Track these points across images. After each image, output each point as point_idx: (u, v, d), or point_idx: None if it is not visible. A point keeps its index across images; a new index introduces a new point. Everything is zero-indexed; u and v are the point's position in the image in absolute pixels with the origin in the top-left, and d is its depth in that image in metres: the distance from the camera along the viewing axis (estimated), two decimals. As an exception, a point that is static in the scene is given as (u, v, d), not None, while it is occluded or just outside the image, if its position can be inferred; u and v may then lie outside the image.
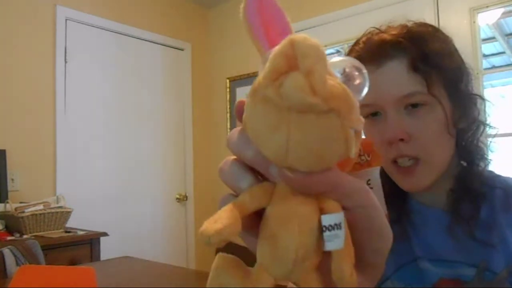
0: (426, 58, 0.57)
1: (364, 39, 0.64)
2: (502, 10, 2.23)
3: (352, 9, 2.67)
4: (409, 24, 0.62)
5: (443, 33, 0.63)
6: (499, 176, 0.65)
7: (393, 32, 0.60)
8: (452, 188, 0.62)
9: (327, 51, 2.95)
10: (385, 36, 0.60)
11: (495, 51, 3.49)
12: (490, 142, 0.64)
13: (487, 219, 0.60)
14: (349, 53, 0.64)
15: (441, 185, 0.62)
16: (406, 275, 0.63)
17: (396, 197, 0.66)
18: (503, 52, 3.48)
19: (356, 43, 0.65)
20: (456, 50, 0.62)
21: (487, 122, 0.64)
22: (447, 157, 0.61)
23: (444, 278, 0.60)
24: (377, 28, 0.64)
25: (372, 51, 0.60)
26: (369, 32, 0.64)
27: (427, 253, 0.63)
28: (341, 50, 2.98)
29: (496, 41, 3.26)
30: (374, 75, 0.59)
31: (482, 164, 0.62)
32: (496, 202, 0.61)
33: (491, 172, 0.65)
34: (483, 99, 0.63)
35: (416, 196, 0.67)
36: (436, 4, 2.35)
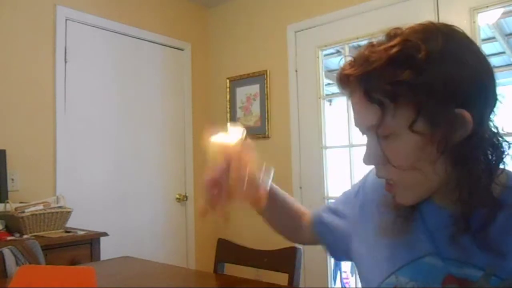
0: (380, 87, 0.56)
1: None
2: (502, 10, 2.23)
3: (352, 9, 2.67)
4: (376, 46, 0.59)
5: (426, 49, 0.55)
6: None
7: (350, 63, 0.61)
8: (458, 198, 0.59)
9: (327, 51, 2.95)
10: (344, 69, 0.61)
11: (495, 51, 3.50)
12: (500, 143, 0.60)
13: (504, 226, 0.58)
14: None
15: (449, 191, 0.61)
16: (412, 271, 0.64)
17: None
18: (503, 52, 3.48)
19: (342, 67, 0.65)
20: (437, 64, 0.55)
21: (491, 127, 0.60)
22: (428, 178, 0.60)
23: (452, 275, 0.60)
24: (350, 56, 0.62)
25: (339, 85, 0.63)
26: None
27: (437, 250, 0.63)
28: (341, 50, 2.98)
29: (496, 41, 3.26)
30: (351, 101, 0.63)
31: (485, 174, 0.58)
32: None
33: (509, 172, 0.62)
34: (465, 116, 0.56)
35: (433, 193, 0.65)
36: (436, 4, 2.35)
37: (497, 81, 0.61)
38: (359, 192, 0.81)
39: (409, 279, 0.63)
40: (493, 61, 3.70)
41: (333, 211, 0.85)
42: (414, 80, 0.54)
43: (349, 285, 3.88)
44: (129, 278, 1.36)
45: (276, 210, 0.87)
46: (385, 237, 0.69)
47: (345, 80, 0.61)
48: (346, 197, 0.85)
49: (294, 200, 0.91)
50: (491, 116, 0.60)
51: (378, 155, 0.61)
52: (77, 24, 2.64)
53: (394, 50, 0.56)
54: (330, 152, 2.83)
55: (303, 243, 0.96)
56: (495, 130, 0.60)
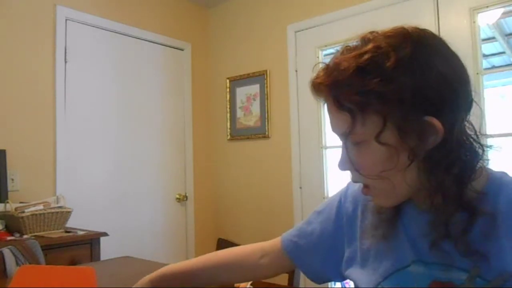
0: (347, 96, 0.56)
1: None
2: (502, 10, 2.23)
3: (352, 9, 2.67)
4: (340, 55, 0.60)
5: (398, 53, 0.55)
6: (507, 183, 0.60)
7: (319, 73, 0.61)
8: (439, 203, 0.58)
9: (327, 51, 2.95)
10: (317, 80, 0.61)
11: (495, 51, 3.49)
12: (478, 147, 0.59)
13: (484, 230, 0.57)
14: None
15: (427, 196, 0.60)
16: (397, 281, 0.63)
17: None
18: (503, 52, 3.48)
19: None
20: (404, 73, 0.55)
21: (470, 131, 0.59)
22: (399, 186, 0.59)
23: (437, 280, 0.60)
24: (324, 63, 0.62)
25: (312, 93, 0.63)
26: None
27: (420, 256, 0.62)
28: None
29: (496, 41, 3.26)
30: (326, 107, 0.63)
31: (463, 180, 0.57)
32: (500, 210, 0.57)
33: (498, 178, 0.61)
34: (436, 124, 0.55)
35: (414, 198, 0.65)
36: (436, 4, 2.35)
37: (471, 85, 0.60)
38: (340, 203, 0.79)
39: None
40: (493, 61, 3.69)
41: (307, 234, 0.82)
42: (382, 89, 0.54)
43: (349, 285, 3.88)
44: (129, 278, 1.36)
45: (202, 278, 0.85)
46: (371, 245, 0.69)
47: (316, 88, 0.61)
48: (324, 214, 0.82)
49: (225, 255, 0.87)
50: (465, 120, 0.59)
51: (349, 161, 0.62)
52: (77, 24, 2.64)
53: (364, 57, 0.56)
54: (330, 152, 2.83)
55: (268, 277, 0.89)
56: (471, 133, 0.59)
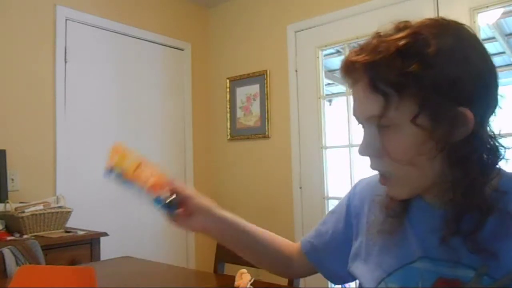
0: (387, 78, 0.56)
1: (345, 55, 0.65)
2: (502, 10, 2.23)
3: (352, 9, 2.67)
4: (382, 37, 0.59)
5: (436, 43, 0.56)
6: (508, 177, 0.61)
7: (358, 52, 0.60)
8: (452, 199, 0.58)
9: (327, 51, 2.95)
10: (351, 56, 0.60)
11: (495, 51, 3.50)
12: (493, 145, 0.59)
13: (495, 229, 0.57)
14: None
15: (442, 191, 0.60)
16: (402, 277, 0.63)
17: None
18: (503, 52, 3.48)
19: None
20: (447, 59, 0.55)
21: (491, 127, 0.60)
22: (424, 173, 0.59)
23: (443, 277, 0.59)
24: (377, 33, 0.61)
25: (343, 72, 0.62)
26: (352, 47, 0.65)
27: (428, 251, 0.62)
28: (341, 50, 2.98)
29: (496, 41, 3.26)
30: (353, 90, 0.62)
31: (481, 176, 0.57)
32: (503, 209, 0.57)
33: (510, 176, 0.61)
34: (467, 115, 0.56)
35: (423, 192, 0.65)
36: (436, 4, 2.35)
37: (499, 82, 0.61)
38: (349, 202, 0.80)
39: (399, 285, 0.63)
40: (493, 61, 3.69)
41: (322, 234, 0.83)
42: (421, 74, 0.54)
43: (349, 285, 3.88)
44: (129, 278, 1.36)
45: (248, 244, 0.85)
46: (376, 241, 0.69)
47: (350, 67, 0.60)
48: (336, 213, 0.83)
49: (274, 236, 0.89)
50: (491, 119, 0.60)
51: (376, 147, 0.60)
52: (77, 24, 2.64)
53: (404, 41, 0.56)
54: (330, 152, 2.83)
55: (300, 276, 0.92)
56: (492, 134, 0.60)
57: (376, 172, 0.65)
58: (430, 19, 0.59)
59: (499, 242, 0.56)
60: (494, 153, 0.59)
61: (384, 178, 0.63)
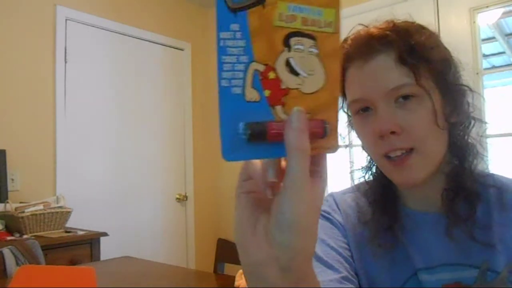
0: (413, 51, 0.58)
1: (352, 36, 0.65)
2: (502, 10, 2.23)
3: (352, 9, 2.67)
4: (395, 20, 0.64)
5: (428, 29, 0.64)
6: (491, 174, 0.65)
7: (380, 27, 0.62)
8: (446, 187, 0.61)
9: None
10: (372, 30, 0.61)
11: (495, 51, 3.49)
12: (481, 137, 0.63)
13: (483, 219, 0.59)
14: None
15: (434, 185, 0.62)
16: None
17: (387, 203, 0.65)
18: (503, 52, 3.48)
19: (345, 40, 0.65)
20: (441, 43, 0.63)
21: (479, 117, 0.64)
22: (440, 150, 0.60)
23: (446, 284, 0.60)
24: (364, 25, 0.65)
25: (360, 47, 0.61)
26: (357, 30, 0.65)
27: (426, 260, 0.61)
28: (341, 50, 2.98)
29: (496, 41, 3.26)
30: (362, 70, 0.60)
31: (474, 161, 0.61)
32: (491, 201, 0.61)
33: (482, 171, 0.64)
34: (471, 90, 0.63)
35: (409, 203, 0.65)
36: (436, 4, 2.35)
37: (491, 82, 0.68)
38: (328, 218, 0.71)
39: None
40: (493, 61, 3.69)
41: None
42: (432, 52, 0.59)
43: (349, 285, 3.87)
44: (129, 278, 1.36)
45: None
46: (374, 256, 0.64)
47: (380, 38, 0.60)
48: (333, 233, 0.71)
49: None
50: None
51: (396, 122, 0.58)
52: (77, 24, 2.64)
53: (414, 22, 0.64)
54: (330, 152, 2.83)
55: None
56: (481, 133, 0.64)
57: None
58: (399, 20, 0.65)
59: (492, 231, 0.59)
60: (479, 140, 0.63)
61: (401, 159, 0.59)
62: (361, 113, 0.63)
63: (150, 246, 2.90)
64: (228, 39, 0.30)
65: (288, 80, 0.31)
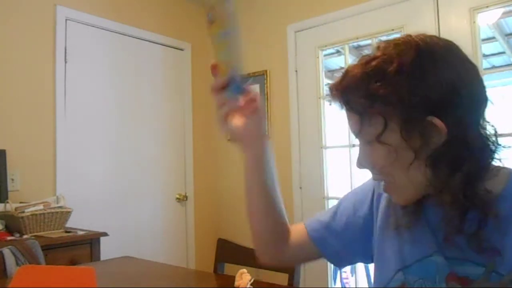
0: (356, 101, 0.62)
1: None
2: (502, 10, 2.23)
3: (352, 9, 2.67)
4: (371, 54, 0.64)
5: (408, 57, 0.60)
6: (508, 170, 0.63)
7: (335, 83, 0.66)
8: (450, 201, 0.60)
9: (327, 51, 2.95)
10: (330, 86, 0.67)
11: (495, 51, 3.50)
12: (489, 142, 0.61)
13: (499, 225, 0.58)
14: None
15: (442, 194, 0.62)
16: (420, 269, 0.65)
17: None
18: (503, 52, 3.48)
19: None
20: (404, 77, 0.59)
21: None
22: (416, 179, 0.62)
23: (454, 272, 0.62)
24: (368, 54, 0.65)
25: (330, 98, 0.68)
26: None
27: (440, 248, 0.64)
28: (341, 50, 2.98)
29: (496, 41, 3.26)
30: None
31: (477, 176, 0.59)
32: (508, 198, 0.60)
33: (496, 168, 0.63)
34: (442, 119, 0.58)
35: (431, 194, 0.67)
36: (436, 4, 2.35)
37: (484, 84, 0.64)
38: (374, 190, 0.79)
39: (417, 277, 0.65)
40: (493, 61, 3.69)
41: (337, 215, 0.81)
42: (383, 92, 0.58)
43: (349, 285, 3.88)
44: (129, 278, 1.37)
45: (266, 193, 0.83)
46: (395, 233, 0.71)
47: (331, 92, 0.67)
48: (354, 200, 0.81)
49: (283, 208, 0.83)
50: (476, 119, 0.61)
51: (363, 160, 0.68)
52: (77, 24, 2.64)
53: (372, 64, 0.61)
54: (330, 152, 2.83)
55: (290, 260, 0.85)
56: (487, 132, 0.62)
57: None
58: (400, 37, 0.63)
59: (504, 239, 0.58)
60: (485, 154, 0.61)
61: (384, 186, 0.69)
62: None
63: (150, 246, 2.90)
64: None
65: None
